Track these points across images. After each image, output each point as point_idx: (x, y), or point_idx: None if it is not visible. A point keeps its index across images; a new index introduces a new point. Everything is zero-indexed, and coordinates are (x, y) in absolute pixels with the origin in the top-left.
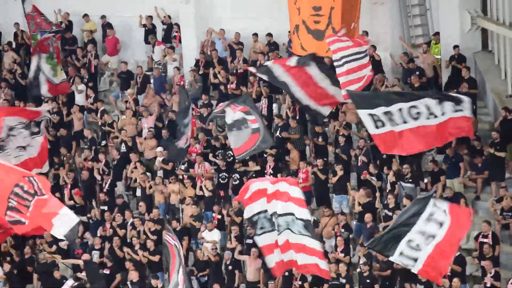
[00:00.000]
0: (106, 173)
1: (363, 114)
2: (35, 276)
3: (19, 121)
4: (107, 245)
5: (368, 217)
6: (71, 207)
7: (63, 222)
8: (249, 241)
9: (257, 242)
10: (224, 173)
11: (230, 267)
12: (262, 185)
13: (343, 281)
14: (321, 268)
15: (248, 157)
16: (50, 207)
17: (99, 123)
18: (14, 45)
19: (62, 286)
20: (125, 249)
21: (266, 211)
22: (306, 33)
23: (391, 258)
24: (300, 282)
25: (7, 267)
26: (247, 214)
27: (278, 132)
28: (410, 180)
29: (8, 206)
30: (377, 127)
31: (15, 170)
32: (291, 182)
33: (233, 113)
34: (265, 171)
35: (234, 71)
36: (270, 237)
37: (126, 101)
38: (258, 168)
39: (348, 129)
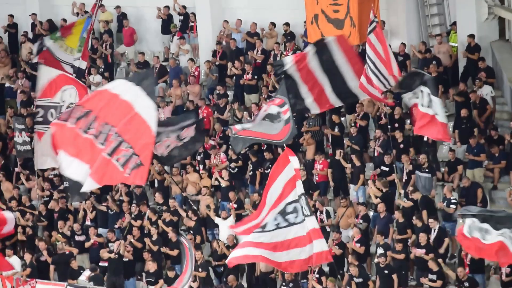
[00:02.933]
0: None
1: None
2: (51, 267)
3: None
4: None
5: (381, 207)
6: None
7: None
8: None
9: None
10: (239, 164)
11: None
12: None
13: (358, 280)
14: (324, 252)
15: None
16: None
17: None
18: (31, 36)
19: (79, 276)
20: (146, 240)
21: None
22: (326, 22)
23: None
24: (317, 275)
25: (28, 257)
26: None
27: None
28: (427, 170)
29: None
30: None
31: None
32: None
33: (267, 108)
34: None
35: (252, 62)
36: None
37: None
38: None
39: (365, 120)
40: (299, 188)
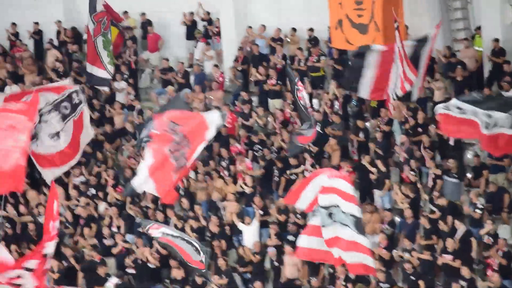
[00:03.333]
0: None
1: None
2: (79, 273)
3: (48, 100)
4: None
5: (408, 213)
6: (112, 204)
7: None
8: (291, 238)
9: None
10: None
11: (275, 264)
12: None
13: (385, 286)
14: (369, 266)
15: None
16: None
17: (137, 122)
18: (56, 43)
19: (106, 283)
20: None
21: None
22: (350, 27)
23: None
24: (344, 283)
25: (54, 264)
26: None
27: (319, 128)
28: (455, 175)
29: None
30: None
31: None
32: (344, 177)
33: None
34: (304, 168)
35: (274, 67)
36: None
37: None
38: (299, 168)
39: (389, 125)
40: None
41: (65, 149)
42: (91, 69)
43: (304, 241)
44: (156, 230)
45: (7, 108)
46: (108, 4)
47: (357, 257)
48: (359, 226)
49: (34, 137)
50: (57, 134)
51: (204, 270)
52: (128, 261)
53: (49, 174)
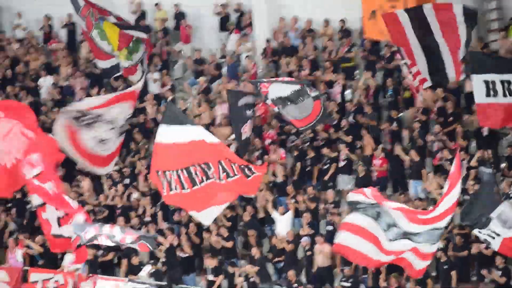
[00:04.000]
0: None
1: (478, 79)
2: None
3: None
4: (183, 230)
5: None
6: (145, 194)
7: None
8: (329, 227)
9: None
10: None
11: (308, 253)
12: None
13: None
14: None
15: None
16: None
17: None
18: None
19: (139, 272)
20: (205, 234)
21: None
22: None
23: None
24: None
25: (90, 252)
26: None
27: (351, 117)
28: (491, 165)
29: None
30: (488, 95)
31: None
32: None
33: (287, 85)
34: (338, 158)
35: (307, 58)
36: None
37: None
38: (335, 154)
39: (425, 115)
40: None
41: (104, 156)
42: (100, 64)
43: (343, 237)
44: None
45: None
46: None
47: (414, 262)
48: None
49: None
50: (103, 141)
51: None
52: (159, 250)
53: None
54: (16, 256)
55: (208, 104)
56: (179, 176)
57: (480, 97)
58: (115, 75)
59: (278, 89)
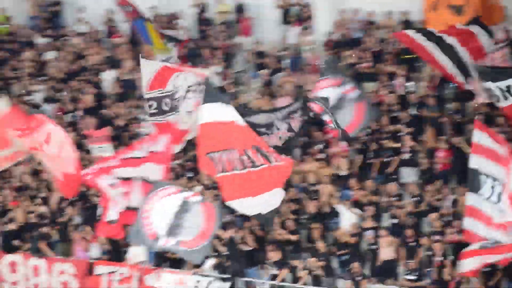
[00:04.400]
0: None
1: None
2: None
3: (195, 81)
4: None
5: None
6: (207, 187)
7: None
8: (394, 220)
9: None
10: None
11: (372, 246)
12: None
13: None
14: None
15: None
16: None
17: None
18: None
19: (203, 265)
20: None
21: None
22: (445, 8)
23: None
24: (441, 258)
25: None
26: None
27: (415, 109)
28: None
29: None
30: (505, 98)
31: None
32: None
33: (331, 91)
34: (401, 150)
35: (369, 50)
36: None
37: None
38: (397, 145)
39: (489, 107)
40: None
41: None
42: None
43: (469, 223)
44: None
45: None
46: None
47: None
48: None
49: (173, 109)
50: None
51: None
52: (220, 243)
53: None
54: (91, 249)
55: (269, 97)
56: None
57: (501, 101)
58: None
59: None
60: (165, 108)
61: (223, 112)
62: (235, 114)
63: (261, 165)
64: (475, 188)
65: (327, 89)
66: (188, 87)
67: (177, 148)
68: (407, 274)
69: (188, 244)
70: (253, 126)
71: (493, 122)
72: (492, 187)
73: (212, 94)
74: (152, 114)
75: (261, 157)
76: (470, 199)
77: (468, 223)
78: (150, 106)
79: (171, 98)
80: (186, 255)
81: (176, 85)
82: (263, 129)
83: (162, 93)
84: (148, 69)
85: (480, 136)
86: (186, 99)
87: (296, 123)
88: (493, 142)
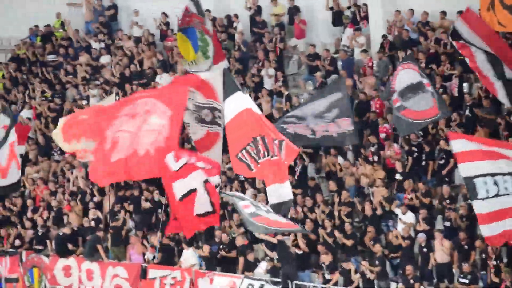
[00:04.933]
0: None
1: None
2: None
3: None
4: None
5: None
6: (260, 190)
7: (279, 192)
8: (447, 223)
9: (475, 208)
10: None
11: (424, 249)
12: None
13: None
14: None
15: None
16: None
17: (285, 108)
18: None
19: (255, 268)
20: (320, 231)
21: (493, 174)
22: (502, 9)
23: None
24: (495, 262)
25: (206, 248)
26: (464, 172)
27: (467, 111)
28: None
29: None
30: None
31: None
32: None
33: (405, 74)
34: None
35: (425, 52)
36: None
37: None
38: (449, 148)
39: None
40: None
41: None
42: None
43: (487, 229)
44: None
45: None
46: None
47: None
48: None
49: (213, 122)
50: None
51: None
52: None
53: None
54: (147, 254)
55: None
56: (248, 153)
57: None
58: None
59: (402, 79)
60: (207, 118)
61: (241, 102)
62: (251, 101)
63: (274, 155)
64: (475, 195)
65: (409, 70)
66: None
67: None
68: (460, 277)
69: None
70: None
71: None
72: (495, 183)
73: (231, 85)
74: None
75: (274, 146)
76: (476, 207)
77: (485, 230)
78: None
79: (211, 110)
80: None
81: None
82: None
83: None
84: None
85: (458, 145)
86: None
87: (344, 124)
88: (475, 143)
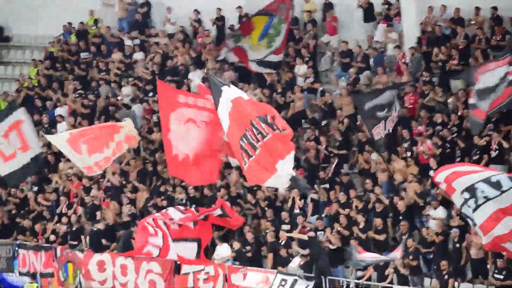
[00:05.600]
0: (332, 155)
1: None
2: (270, 255)
3: None
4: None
5: None
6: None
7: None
8: None
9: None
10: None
11: (457, 245)
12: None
13: None
14: None
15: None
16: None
17: (319, 104)
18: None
19: (288, 263)
20: (354, 228)
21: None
22: None
23: None
24: None
25: (236, 245)
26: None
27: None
28: None
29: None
30: None
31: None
32: None
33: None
34: (490, 147)
35: (456, 47)
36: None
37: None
38: (483, 143)
39: None
40: None
41: None
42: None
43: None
44: None
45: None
46: None
47: None
48: None
49: None
50: None
51: None
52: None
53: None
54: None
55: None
56: (241, 146)
57: None
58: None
59: (487, 80)
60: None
61: (229, 95)
62: (238, 90)
63: (267, 134)
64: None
65: (491, 71)
66: None
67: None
68: (495, 273)
69: None
70: (374, 110)
71: None
72: (482, 192)
73: (216, 86)
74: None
75: (265, 126)
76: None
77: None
78: None
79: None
80: None
81: None
82: (383, 112)
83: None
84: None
85: (442, 177)
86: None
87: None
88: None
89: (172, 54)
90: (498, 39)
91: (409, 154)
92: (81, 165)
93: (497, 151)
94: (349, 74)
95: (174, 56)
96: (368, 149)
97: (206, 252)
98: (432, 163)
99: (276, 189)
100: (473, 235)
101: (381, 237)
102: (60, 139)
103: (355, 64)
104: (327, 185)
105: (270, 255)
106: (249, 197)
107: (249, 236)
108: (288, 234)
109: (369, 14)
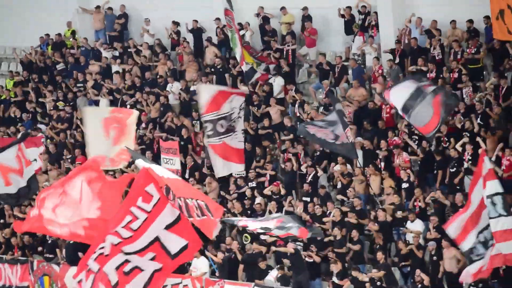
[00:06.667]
0: (309, 165)
1: None
2: (240, 266)
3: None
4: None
5: None
6: (269, 197)
7: None
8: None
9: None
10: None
11: (434, 258)
12: None
13: None
14: None
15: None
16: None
17: (296, 115)
18: (216, 41)
19: (266, 276)
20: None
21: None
22: None
23: None
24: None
25: (220, 255)
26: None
27: (478, 119)
28: None
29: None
30: None
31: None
32: None
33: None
34: (463, 158)
35: (433, 60)
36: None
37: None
38: (456, 155)
39: None
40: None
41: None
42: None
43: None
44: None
45: None
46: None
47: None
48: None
49: (231, 130)
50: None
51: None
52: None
53: (228, 168)
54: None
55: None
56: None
57: None
58: (254, 78)
59: (398, 95)
60: (220, 130)
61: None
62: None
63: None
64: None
65: (406, 82)
66: (240, 107)
67: (240, 167)
68: (472, 286)
69: None
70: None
71: None
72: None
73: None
74: (208, 136)
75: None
76: (492, 225)
77: (502, 247)
78: (205, 128)
79: (228, 120)
80: None
81: (232, 107)
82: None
83: (218, 115)
84: (205, 93)
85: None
86: (239, 119)
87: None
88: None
89: (150, 65)
90: (473, 52)
91: (383, 165)
92: (108, 154)
93: (470, 162)
94: (323, 86)
95: (152, 68)
96: (342, 161)
97: (182, 265)
98: (403, 175)
99: (254, 201)
100: (446, 247)
101: (356, 247)
102: (100, 115)
103: (333, 76)
104: (307, 198)
105: (241, 266)
106: (236, 206)
107: (235, 245)
108: (276, 249)
109: (350, 26)
